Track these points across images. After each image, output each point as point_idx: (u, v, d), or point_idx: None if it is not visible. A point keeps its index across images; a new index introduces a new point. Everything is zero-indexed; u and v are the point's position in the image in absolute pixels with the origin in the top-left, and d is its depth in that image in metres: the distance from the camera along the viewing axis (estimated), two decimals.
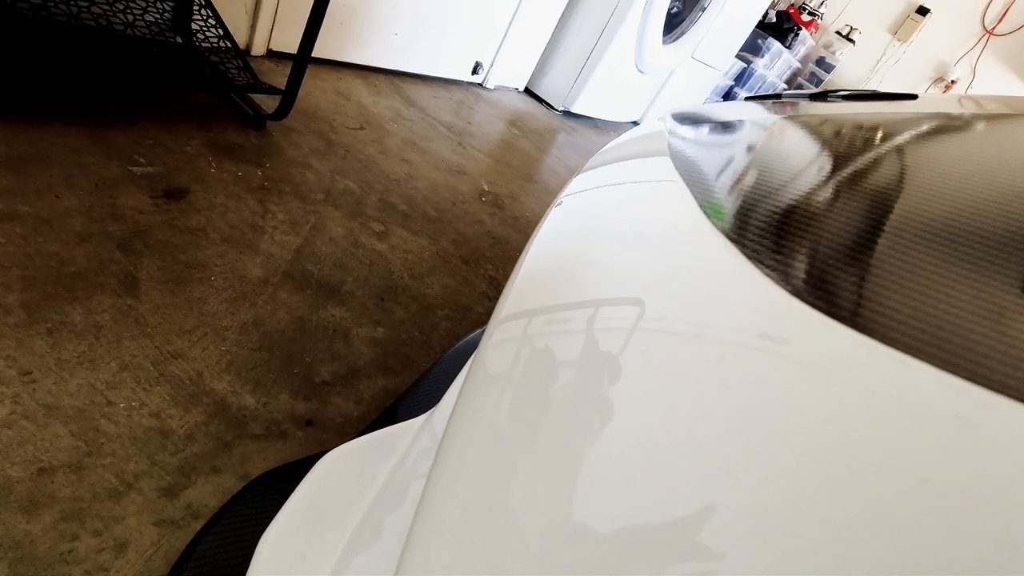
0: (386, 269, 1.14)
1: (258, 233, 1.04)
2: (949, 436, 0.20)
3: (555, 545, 0.23)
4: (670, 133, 0.54)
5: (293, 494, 0.47)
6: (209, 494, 0.65)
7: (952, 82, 4.46)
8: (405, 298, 1.10)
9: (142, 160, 1.03)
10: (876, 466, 0.20)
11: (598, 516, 0.23)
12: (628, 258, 0.36)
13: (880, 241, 0.30)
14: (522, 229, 1.59)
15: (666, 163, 0.46)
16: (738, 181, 0.42)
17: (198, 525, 0.62)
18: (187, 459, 0.67)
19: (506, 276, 1.34)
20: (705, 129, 0.59)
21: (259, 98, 1.40)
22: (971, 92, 4.43)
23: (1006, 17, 4.20)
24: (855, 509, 0.19)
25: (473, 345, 0.73)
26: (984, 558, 0.17)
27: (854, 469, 0.20)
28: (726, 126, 0.59)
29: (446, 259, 1.28)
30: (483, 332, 0.65)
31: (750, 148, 0.51)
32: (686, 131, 0.56)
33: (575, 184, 0.53)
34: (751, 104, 0.69)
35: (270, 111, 1.32)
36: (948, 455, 0.19)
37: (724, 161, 0.47)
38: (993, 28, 4.25)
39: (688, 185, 0.40)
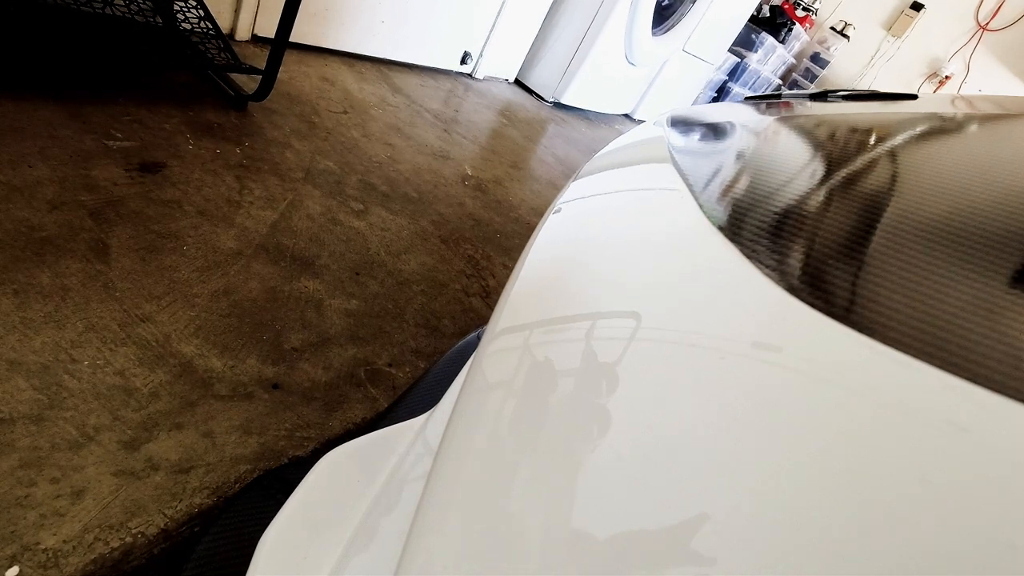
0: (363, 246, 1.15)
1: (234, 207, 1.05)
2: (948, 436, 0.20)
3: (556, 546, 0.23)
4: (670, 137, 0.53)
5: (293, 494, 0.47)
6: (170, 448, 0.66)
7: (946, 78, 4.47)
8: (381, 273, 1.11)
9: (119, 135, 1.04)
10: (876, 467, 0.20)
11: (599, 518, 0.23)
12: (634, 266, 0.35)
13: (890, 244, 0.30)
14: (504, 212, 1.60)
15: (669, 170, 0.45)
16: (744, 188, 0.41)
17: (158, 477, 0.63)
18: (150, 415, 0.68)
19: (485, 256, 1.35)
20: (706, 133, 0.58)
21: (242, 81, 1.41)
22: (965, 88, 4.43)
23: (1000, 12, 4.20)
24: (855, 511, 0.19)
25: (471, 347, 0.72)
26: (983, 560, 0.17)
27: (854, 471, 0.20)
28: (727, 129, 0.58)
29: (425, 238, 1.29)
30: (480, 334, 0.65)
31: (754, 153, 0.50)
32: (687, 135, 0.55)
33: (573, 190, 0.52)
34: (752, 105, 0.67)
35: (252, 94, 1.33)
36: (947, 455, 0.19)
37: (728, 167, 0.46)
38: (987, 23, 4.26)
39: (692, 192, 0.40)
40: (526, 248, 0.47)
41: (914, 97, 0.66)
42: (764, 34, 4.02)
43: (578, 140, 2.61)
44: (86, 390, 0.66)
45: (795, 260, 0.31)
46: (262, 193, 1.13)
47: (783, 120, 0.59)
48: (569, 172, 2.15)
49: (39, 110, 0.98)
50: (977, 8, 4.26)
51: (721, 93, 4.24)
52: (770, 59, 4.26)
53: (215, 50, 1.27)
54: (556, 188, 1.94)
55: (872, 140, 0.50)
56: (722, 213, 0.36)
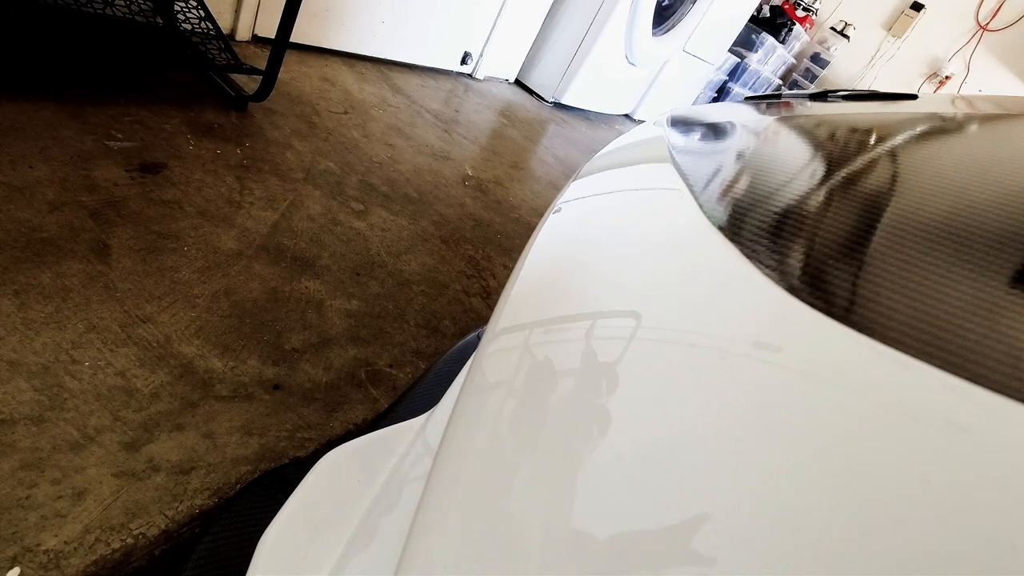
0: (363, 246, 1.15)
1: (234, 208, 1.05)
2: (948, 436, 0.20)
3: (556, 546, 0.23)
4: (670, 137, 0.53)
5: (293, 494, 0.47)
6: (171, 449, 0.66)
7: (946, 78, 4.47)
8: (381, 274, 1.11)
9: (119, 136, 1.04)
10: (876, 467, 0.20)
11: (599, 518, 0.23)
12: (634, 266, 0.35)
13: (890, 244, 0.30)
14: (505, 213, 1.60)
15: (669, 170, 0.45)
16: (744, 188, 0.41)
17: (160, 478, 0.63)
18: (151, 416, 0.68)
19: (486, 257, 1.35)
20: (706, 133, 0.58)
21: (242, 81, 1.41)
22: (965, 88, 4.43)
23: (1000, 12, 4.20)
24: (855, 511, 0.19)
25: (471, 347, 0.72)
26: (983, 560, 0.17)
27: (854, 471, 0.20)
28: (727, 129, 0.58)
29: (425, 238, 1.29)
30: (480, 334, 0.65)
31: (754, 154, 0.50)
32: (687, 135, 0.55)
33: (573, 190, 0.52)
34: (751, 105, 0.67)
35: (252, 94, 1.33)
36: (947, 455, 0.19)
37: (728, 167, 0.46)
38: (987, 23, 4.26)
39: (692, 192, 0.40)
40: (526, 248, 0.47)
41: (914, 97, 0.66)
42: (764, 34, 4.02)
43: (578, 140, 2.61)
44: (87, 391, 0.66)
45: (795, 260, 0.31)
46: (262, 194, 1.13)
47: (783, 120, 0.59)
48: (569, 172, 2.15)
49: (40, 110, 0.98)
50: (977, 8, 4.25)
51: (721, 93, 4.24)
52: (770, 59, 4.26)
53: (216, 50, 1.28)
54: (556, 188, 1.94)
55: (872, 140, 0.50)
56: (722, 213, 0.36)
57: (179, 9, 1.27)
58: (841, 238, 0.32)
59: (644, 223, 0.40)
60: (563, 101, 2.83)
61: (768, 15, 4.18)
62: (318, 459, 0.50)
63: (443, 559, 0.27)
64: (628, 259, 0.37)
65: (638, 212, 0.43)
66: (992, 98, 0.71)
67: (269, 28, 1.67)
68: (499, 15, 2.37)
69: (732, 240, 0.33)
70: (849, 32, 4.74)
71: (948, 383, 0.22)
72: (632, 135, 0.62)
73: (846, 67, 4.83)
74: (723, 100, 4.24)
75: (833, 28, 4.80)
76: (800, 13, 4.46)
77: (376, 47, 2.04)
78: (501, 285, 1.28)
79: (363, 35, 1.95)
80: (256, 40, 1.69)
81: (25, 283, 0.73)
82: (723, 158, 0.49)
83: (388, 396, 0.88)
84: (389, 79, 2.04)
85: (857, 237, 0.32)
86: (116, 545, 0.57)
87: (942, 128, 0.55)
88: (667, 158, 0.48)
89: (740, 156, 0.49)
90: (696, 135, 0.57)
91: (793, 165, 0.45)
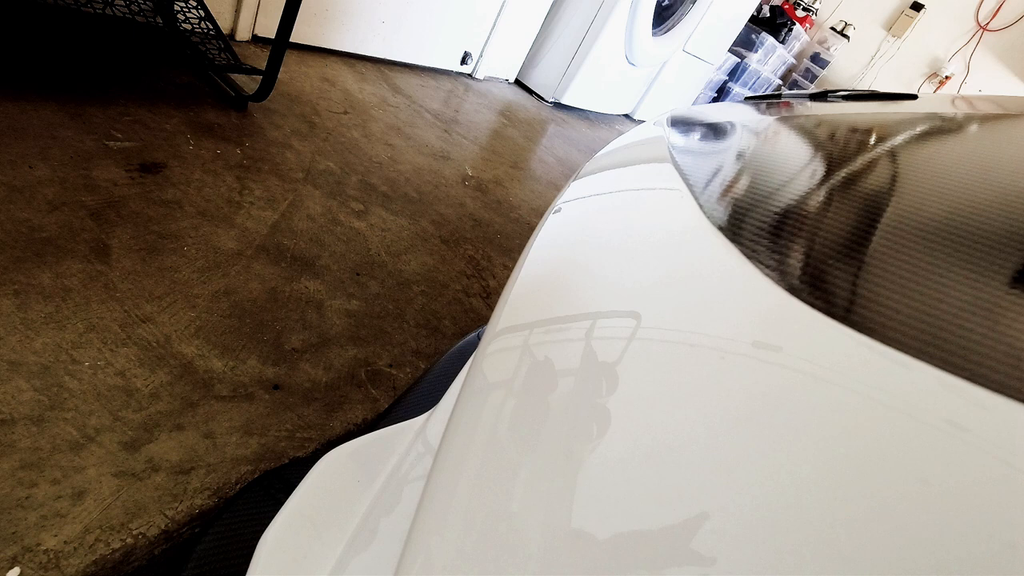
0: (363, 246, 1.15)
1: (234, 208, 1.05)
2: (948, 436, 0.20)
3: (556, 546, 0.23)
4: (670, 137, 0.53)
5: (293, 494, 0.47)
6: (171, 449, 0.66)
7: (947, 78, 4.47)
8: (381, 274, 1.11)
9: (119, 136, 1.04)
10: (876, 467, 0.20)
11: (599, 518, 0.23)
12: (634, 266, 0.36)
13: (890, 244, 0.30)
14: (505, 213, 1.60)
15: (669, 170, 0.45)
16: (744, 188, 0.41)
17: (159, 478, 0.63)
18: (151, 416, 0.68)
19: (486, 257, 1.35)
20: (706, 133, 0.58)
21: (242, 81, 1.41)
22: (965, 88, 4.43)
23: (1000, 12, 4.20)
24: (855, 511, 0.19)
25: (471, 346, 0.72)
26: (983, 560, 0.17)
27: (854, 471, 0.20)
28: (728, 129, 0.58)
29: (425, 238, 1.29)
30: (480, 333, 0.65)
31: (754, 154, 0.50)
32: (687, 135, 0.55)
33: (573, 190, 0.52)
34: (752, 105, 0.67)
35: (252, 94, 1.33)
36: (947, 455, 0.20)
37: (728, 167, 0.46)
38: (987, 23, 4.26)
39: (692, 192, 0.40)
40: (526, 248, 0.47)
41: (914, 97, 0.66)
42: (764, 34, 4.02)
43: (578, 140, 2.61)
44: (87, 391, 0.66)
45: (795, 260, 0.31)
46: (262, 193, 1.13)
47: (783, 120, 0.59)
48: (569, 172, 2.15)
49: (39, 110, 0.98)
50: (977, 8, 4.26)
51: (721, 93, 4.24)
52: (770, 59, 4.26)
53: (215, 50, 1.28)
54: (556, 188, 1.94)
55: (872, 140, 0.50)
56: (722, 213, 0.36)
57: (179, 9, 1.28)
58: (841, 238, 0.32)
59: (644, 223, 0.40)
60: (563, 101, 2.83)
61: (768, 15, 4.18)
62: (318, 459, 0.50)
63: (443, 559, 0.27)
64: (628, 259, 0.37)
65: (638, 212, 0.43)
66: (992, 98, 0.71)
67: (269, 28, 1.67)
68: (499, 15, 2.37)
69: (732, 240, 0.33)
70: (849, 32, 4.74)
71: (948, 383, 0.22)
72: (632, 135, 0.62)
73: (846, 67, 4.83)
74: (723, 100, 4.24)
75: (833, 28, 4.80)
76: (800, 13, 4.46)
77: (376, 47, 2.04)
78: (501, 285, 1.28)
79: (363, 35, 1.95)
80: (256, 40, 1.69)
81: (25, 283, 0.73)
82: (723, 158, 0.49)
83: (388, 396, 0.88)
84: (389, 79, 2.04)
85: (857, 237, 0.32)
86: (116, 545, 0.57)
87: (942, 128, 0.55)
88: (667, 158, 0.48)
89: (740, 156, 0.49)
90: (696, 135, 0.57)
91: (793, 165, 0.45)
